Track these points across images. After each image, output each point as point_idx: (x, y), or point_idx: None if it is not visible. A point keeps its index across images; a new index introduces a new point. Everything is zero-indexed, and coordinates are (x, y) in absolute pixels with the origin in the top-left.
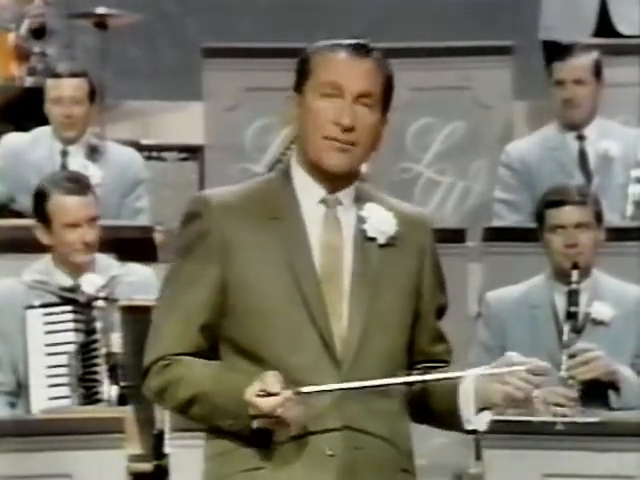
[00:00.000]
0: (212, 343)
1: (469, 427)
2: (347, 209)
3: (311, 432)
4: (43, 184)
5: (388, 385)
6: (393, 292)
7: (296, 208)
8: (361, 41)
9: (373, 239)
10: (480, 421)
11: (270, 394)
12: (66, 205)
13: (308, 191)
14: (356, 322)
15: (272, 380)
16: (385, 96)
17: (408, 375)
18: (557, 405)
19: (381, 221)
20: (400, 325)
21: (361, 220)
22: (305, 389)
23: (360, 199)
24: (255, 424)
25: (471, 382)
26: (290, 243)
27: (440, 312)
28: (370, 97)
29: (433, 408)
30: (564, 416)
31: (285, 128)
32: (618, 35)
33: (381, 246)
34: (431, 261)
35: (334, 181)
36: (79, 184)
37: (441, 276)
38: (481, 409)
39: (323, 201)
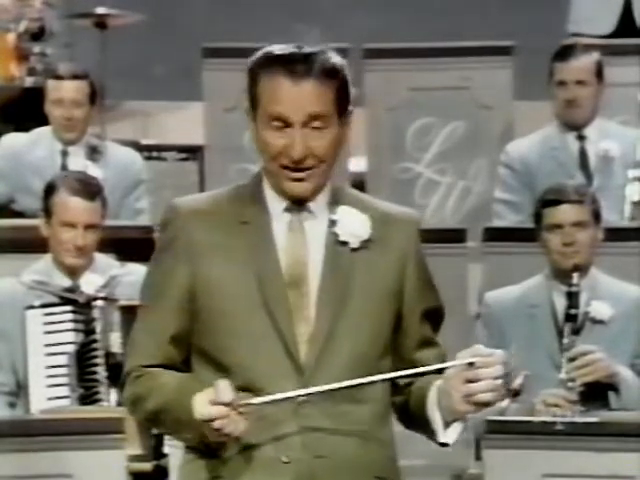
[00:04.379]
0: (187, 354)
1: (441, 440)
2: (317, 214)
3: (268, 439)
4: (55, 178)
5: (344, 388)
6: (366, 297)
7: (264, 214)
8: (301, 54)
9: (345, 243)
10: (449, 435)
11: (219, 404)
12: (68, 204)
13: (276, 198)
14: (321, 327)
15: (222, 389)
16: (339, 103)
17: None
18: (556, 406)
19: (353, 224)
20: (372, 331)
21: (333, 224)
22: (254, 400)
23: (336, 202)
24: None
25: (434, 393)
26: (257, 248)
27: (430, 315)
28: (319, 118)
29: (414, 419)
30: (564, 417)
31: None
32: (638, 33)
33: (354, 250)
34: (415, 262)
35: (297, 199)
36: (88, 188)
37: (427, 277)
38: (452, 420)
39: (288, 209)
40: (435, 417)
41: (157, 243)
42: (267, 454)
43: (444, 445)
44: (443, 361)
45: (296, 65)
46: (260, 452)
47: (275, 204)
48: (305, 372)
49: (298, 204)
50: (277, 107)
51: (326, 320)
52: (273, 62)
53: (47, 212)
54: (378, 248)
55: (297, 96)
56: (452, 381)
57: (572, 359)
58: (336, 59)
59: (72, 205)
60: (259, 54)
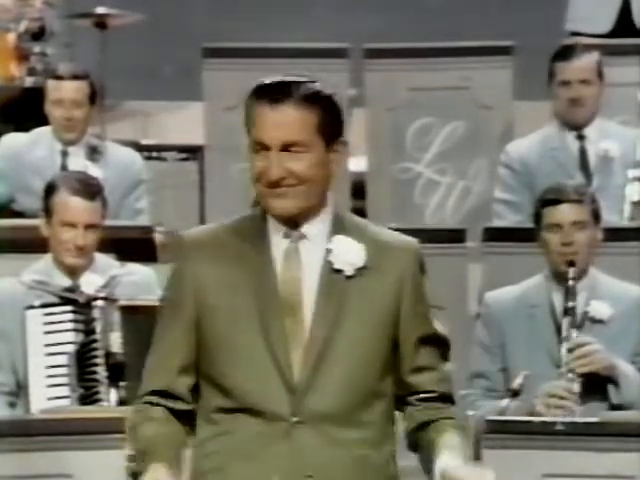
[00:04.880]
0: (196, 379)
1: None
2: (315, 242)
3: (260, 457)
4: (55, 178)
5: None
6: (359, 323)
7: (265, 243)
8: (279, 82)
9: (340, 271)
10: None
11: None
12: (68, 204)
13: (276, 227)
14: (313, 350)
15: (160, 476)
16: (323, 129)
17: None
18: (559, 397)
19: (348, 253)
20: (366, 354)
21: (328, 252)
22: None
23: (338, 231)
24: None
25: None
26: (257, 277)
27: (428, 341)
28: (295, 145)
29: (420, 457)
30: (564, 415)
31: None
32: (636, 31)
33: (349, 277)
34: (411, 290)
35: (288, 220)
36: (88, 188)
37: (425, 305)
38: None
39: (287, 236)
40: None
41: (170, 273)
42: (258, 473)
43: None
44: (437, 385)
45: (277, 92)
46: (252, 470)
47: (275, 231)
48: (297, 393)
49: (294, 229)
50: (259, 133)
51: (318, 344)
52: (259, 91)
53: (47, 212)
54: (374, 275)
55: (274, 123)
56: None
57: (571, 350)
58: (321, 88)
59: (72, 205)
60: (255, 85)
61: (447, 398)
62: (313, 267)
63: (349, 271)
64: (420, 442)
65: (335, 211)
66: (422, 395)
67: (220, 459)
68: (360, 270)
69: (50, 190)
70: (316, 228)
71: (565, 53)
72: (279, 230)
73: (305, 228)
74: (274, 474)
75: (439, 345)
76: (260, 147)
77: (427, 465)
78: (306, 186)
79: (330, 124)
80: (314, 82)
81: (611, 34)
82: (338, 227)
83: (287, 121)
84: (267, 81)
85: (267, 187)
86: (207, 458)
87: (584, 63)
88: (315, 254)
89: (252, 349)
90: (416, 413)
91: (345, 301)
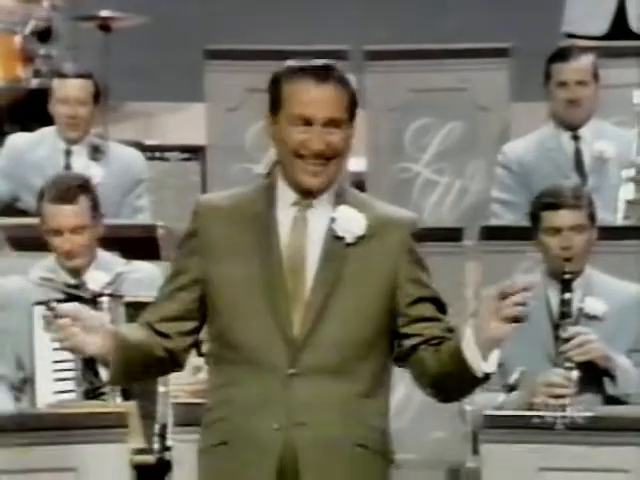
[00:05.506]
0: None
1: (483, 372)
2: (321, 211)
3: (261, 407)
4: (42, 186)
5: None
6: (356, 287)
7: (273, 209)
8: (321, 64)
9: (341, 238)
10: (489, 365)
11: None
12: (50, 212)
13: (286, 196)
14: (311, 309)
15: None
16: (350, 109)
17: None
18: (557, 386)
19: (350, 222)
20: (360, 317)
21: (332, 221)
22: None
23: (340, 202)
24: None
25: (469, 333)
26: (263, 240)
27: (429, 300)
28: (336, 121)
29: (446, 367)
30: (563, 407)
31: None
32: (631, 35)
33: (349, 244)
34: (408, 258)
35: (307, 192)
36: (68, 192)
37: (422, 271)
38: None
39: (296, 204)
40: (473, 352)
41: (185, 232)
42: (259, 421)
43: (486, 377)
44: (443, 332)
45: (319, 72)
46: (253, 419)
47: (285, 198)
48: (294, 347)
49: (305, 199)
50: (302, 108)
51: (317, 303)
52: (298, 71)
53: (40, 218)
54: (372, 243)
55: (319, 100)
56: (482, 309)
57: (567, 340)
58: (342, 69)
59: (53, 212)
60: (283, 67)
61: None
62: (318, 234)
63: (350, 239)
64: (441, 353)
65: (338, 183)
66: (431, 342)
67: (226, 409)
68: (360, 238)
69: (39, 198)
70: (323, 198)
71: (562, 55)
72: (288, 198)
73: (315, 197)
74: (273, 422)
75: (439, 304)
76: (302, 121)
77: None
78: (338, 160)
79: (354, 104)
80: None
81: (607, 37)
82: (341, 198)
83: (330, 98)
84: (301, 64)
85: (307, 158)
86: (217, 407)
87: (580, 64)
88: (320, 222)
89: (256, 306)
90: (444, 346)
91: (344, 266)
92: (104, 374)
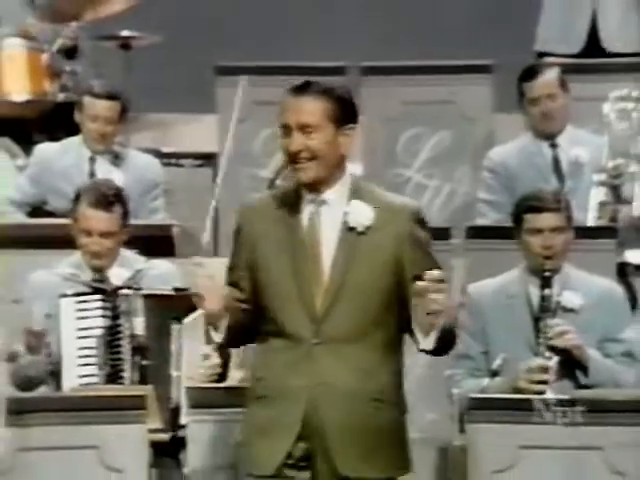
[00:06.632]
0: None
1: (421, 348)
2: (334, 205)
3: (290, 371)
4: (80, 188)
5: None
6: (366, 269)
7: (299, 207)
8: (303, 82)
9: (353, 228)
10: (427, 342)
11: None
12: (85, 215)
13: (306, 195)
14: (330, 289)
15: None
16: (333, 117)
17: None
18: (537, 373)
19: (360, 214)
20: (370, 294)
21: (346, 214)
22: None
23: (355, 197)
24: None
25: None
26: (291, 233)
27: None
28: (308, 126)
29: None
30: (542, 391)
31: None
32: (604, 53)
33: (360, 233)
34: (410, 240)
35: (311, 187)
36: (104, 200)
37: (425, 252)
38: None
39: (312, 201)
40: (417, 331)
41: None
42: (288, 381)
43: (425, 351)
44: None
45: (298, 87)
46: (285, 379)
47: (305, 198)
48: (317, 321)
49: (316, 196)
50: (283, 117)
51: (335, 284)
52: (289, 88)
53: (73, 218)
54: (380, 232)
55: (293, 108)
56: (412, 302)
57: (547, 331)
58: (335, 85)
59: (88, 215)
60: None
61: None
62: (334, 224)
63: (360, 229)
64: None
65: (353, 179)
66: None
67: (265, 371)
68: (369, 228)
69: (76, 199)
70: (336, 194)
71: (530, 73)
72: (307, 197)
73: (326, 194)
74: (300, 382)
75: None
76: (285, 129)
77: None
78: (318, 160)
79: (338, 112)
80: (332, 82)
81: (581, 55)
82: (355, 193)
83: (303, 107)
84: (293, 85)
85: (289, 160)
86: (259, 369)
87: (548, 79)
88: (335, 215)
89: (286, 288)
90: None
91: (356, 252)
92: (215, 336)
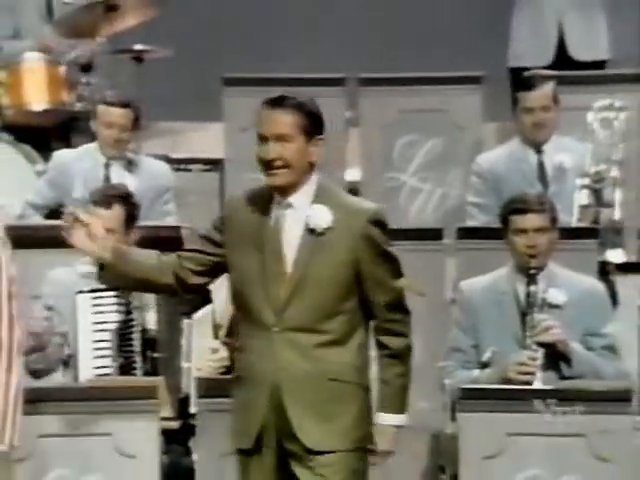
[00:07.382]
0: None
1: None
2: (299, 208)
3: (257, 359)
4: (91, 192)
5: None
6: (325, 266)
7: (269, 208)
8: (278, 95)
9: (313, 230)
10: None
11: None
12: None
13: (276, 197)
14: (291, 283)
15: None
16: (305, 127)
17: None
18: (526, 364)
19: (319, 218)
20: (328, 288)
21: (308, 217)
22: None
23: (317, 201)
24: None
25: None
26: (261, 232)
27: (390, 271)
28: (283, 136)
29: None
30: (529, 382)
31: None
32: (573, 62)
33: (319, 234)
34: (365, 241)
35: (280, 191)
36: (104, 198)
37: (378, 248)
38: None
39: (279, 204)
40: None
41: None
42: (256, 361)
43: None
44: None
45: (273, 100)
46: (254, 360)
47: (275, 200)
48: (278, 311)
49: (284, 199)
50: (259, 128)
51: (295, 279)
52: (265, 101)
53: None
54: (337, 232)
55: (268, 120)
56: None
57: (533, 326)
58: (305, 100)
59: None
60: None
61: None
62: (297, 227)
63: (319, 230)
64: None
65: (319, 184)
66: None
67: (240, 354)
68: (328, 229)
69: (88, 202)
70: (301, 198)
71: (527, 83)
72: (277, 199)
73: (292, 198)
74: (265, 365)
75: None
76: (261, 139)
77: None
78: (290, 168)
79: (308, 125)
80: (303, 97)
81: (553, 66)
82: (318, 197)
83: (277, 119)
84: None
85: (264, 167)
86: (238, 352)
87: (544, 92)
88: (299, 217)
89: (254, 280)
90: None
91: (316, 250)
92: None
